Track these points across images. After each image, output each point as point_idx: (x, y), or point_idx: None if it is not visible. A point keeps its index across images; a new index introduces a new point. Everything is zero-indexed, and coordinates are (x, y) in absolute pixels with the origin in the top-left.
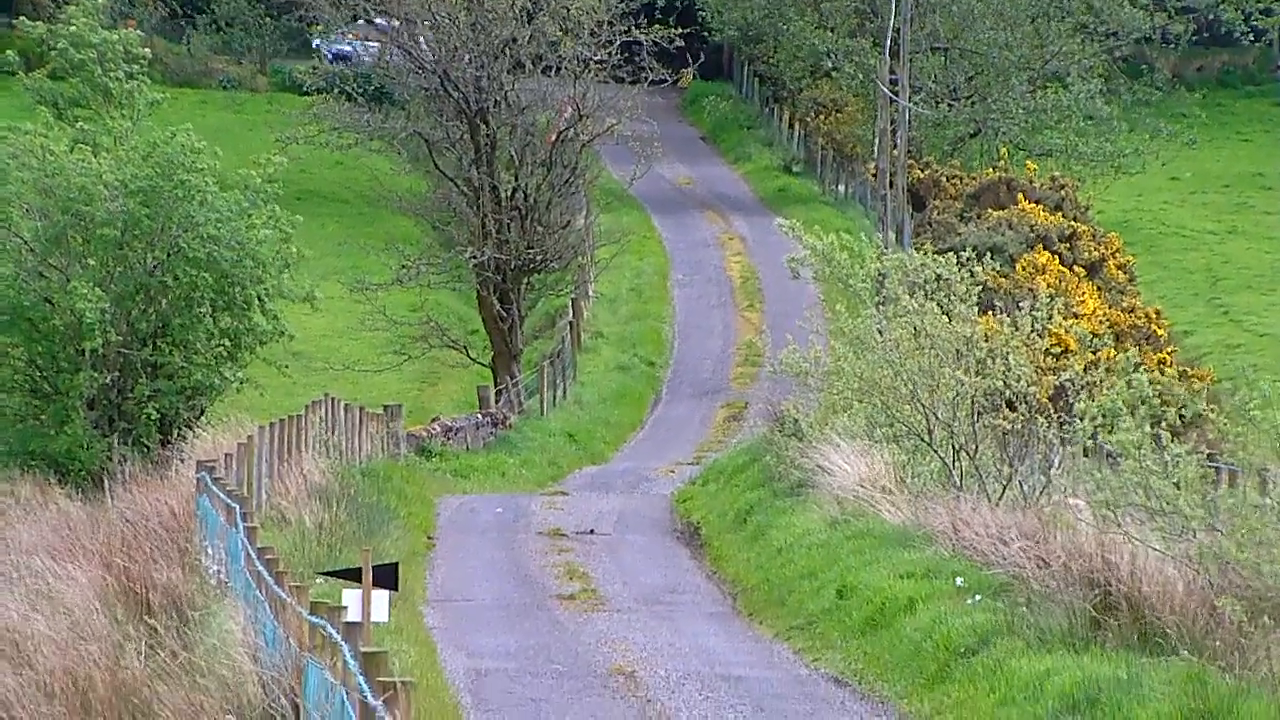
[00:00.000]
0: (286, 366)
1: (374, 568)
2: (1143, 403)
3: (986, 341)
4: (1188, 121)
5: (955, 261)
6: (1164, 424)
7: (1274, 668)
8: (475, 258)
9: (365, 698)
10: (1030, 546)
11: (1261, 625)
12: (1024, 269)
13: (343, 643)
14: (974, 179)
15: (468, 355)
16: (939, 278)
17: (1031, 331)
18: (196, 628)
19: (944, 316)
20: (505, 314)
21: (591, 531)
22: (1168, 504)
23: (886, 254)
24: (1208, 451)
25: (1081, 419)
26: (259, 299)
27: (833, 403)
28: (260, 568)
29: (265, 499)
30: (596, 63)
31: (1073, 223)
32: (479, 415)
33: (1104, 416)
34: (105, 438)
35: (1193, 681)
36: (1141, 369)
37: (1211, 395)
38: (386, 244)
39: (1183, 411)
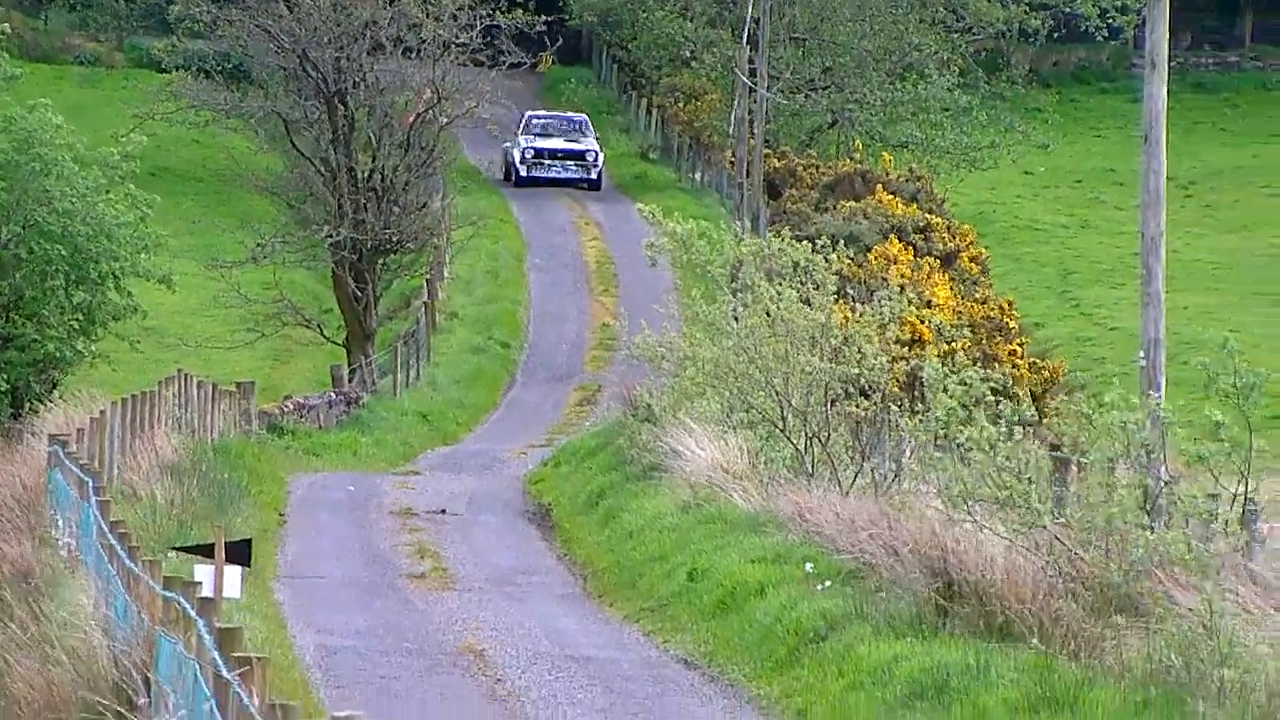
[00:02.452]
0: (139, 342)
1: (227, 544)
2: (978, 403)
3: (841, 329)
4: (1041, 117)
5: (811, 248)
6: (1005, 419)
7: (1120, 656)
8: (331, 237)
9: (220, 673)
10: (879, 534)
11: (1108, 615)
12: (877, 259)
13: (197, 618)
14: (830, 169)
15: (321, 334)
16: (796, 265)
17: (889, 320)
18: (48, 601)
19: (800, 304)
20: (360, 294)
21: (443, 511)
22: (1017, 496)
23: (744, 241)
24: (1052, 443)
25: (928, 415)
26: (114, 276)
27: (686, 388)
28: (113, 541)
29: (117, 474)
30: (456, 45)
31: (928, 215)
32: (332, 394)
33: (949, 416)
34: None
35: (1040, 669)
36: (978, 366)
37: (1062, 387)
38: (242, 222)
39: (1018, 418)
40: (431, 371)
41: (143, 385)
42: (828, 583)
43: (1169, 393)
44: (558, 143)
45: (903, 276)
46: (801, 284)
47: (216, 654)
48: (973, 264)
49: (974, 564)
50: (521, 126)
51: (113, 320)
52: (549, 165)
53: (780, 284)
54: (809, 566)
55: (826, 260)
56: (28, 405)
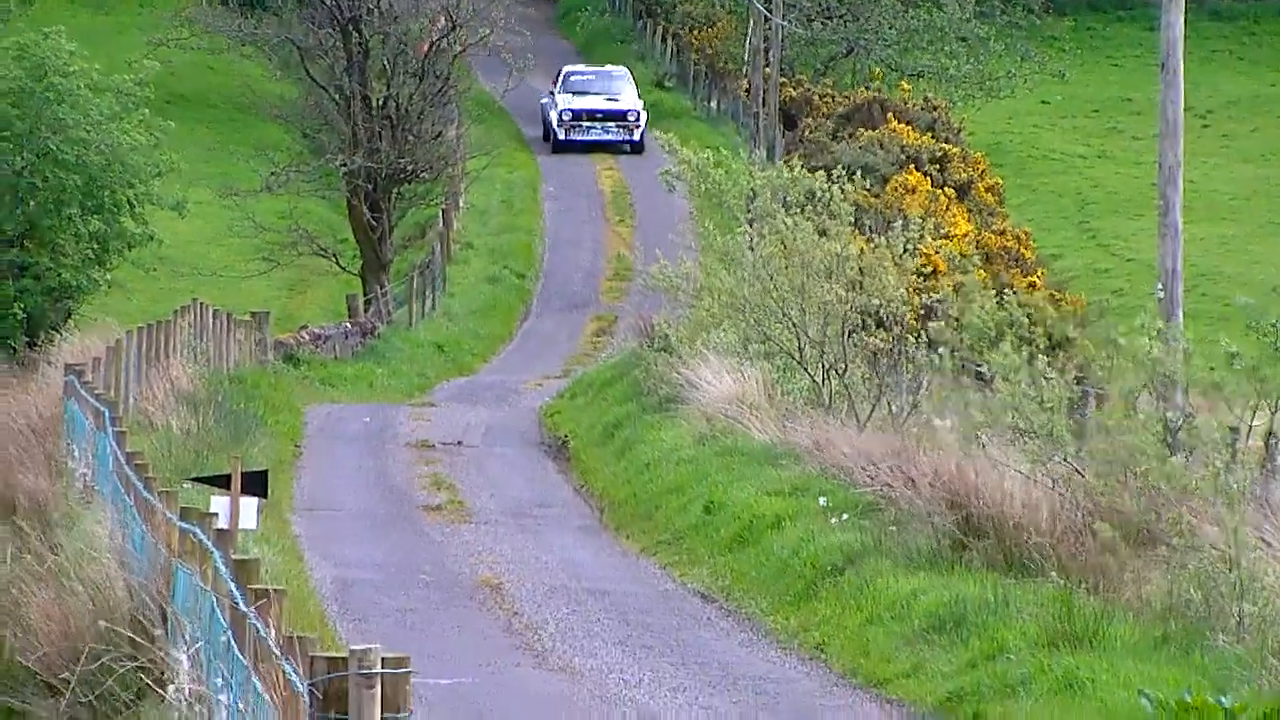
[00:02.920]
0: (154, 270)
1: (243, 474)
2: (1010, 326)
3: (859, 259)
4: (1058, 45)
5: (826, 178)
6: (1034, 346)
7: (1139, 590)
8: (346, 166)
9: (237, 605)
10: (897, 467)
11: (1127, 549)
12: (894, 189)
13: (214, 550)
14: (846, 98)
15: (337, 263)
16: (811, 195)
17: (904, 252)
18: (64, 532)
19: (816, 234)
20: (375, 223)
21: (459, 443)
22: (1039, 427)
23: (759, 171)
24: (1076, 375)
25: (948, 344)
26: (129, 203)
27: (703, 319)
28: (129, 473)
29: (132, 404)
30: None
31: (944, 144)
32: (347, 324)
33: (973, 338)
34: None
35: (1059, 603)
36: (1009, 291)
37: (1080, 319)
38: (256, 150)
39: (1051, 333)
40: (447, 302)
41: (158, 314)
42: (845, 515)
43: (1186, 324)
44: (597, 102)
45: (920, 207)
46: (817, 214)
47: (233, 586)
48: (988, 194)
49: (992, 497)
50: (559, 83)
51: (128, 249)
52: (588, 127)
53: (796, 214)
54: (822, 500)
55: (842, 191)
56: (43, 334)
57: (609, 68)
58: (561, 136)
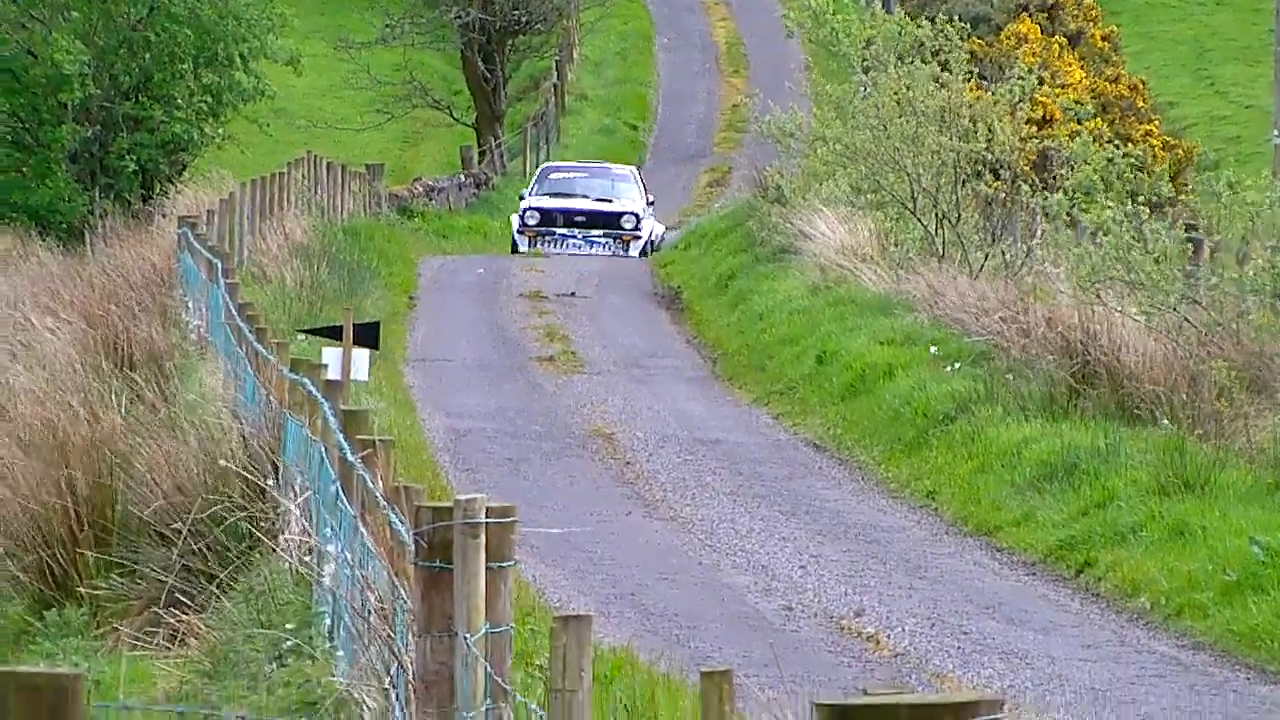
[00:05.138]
0: (267, 125)
1: (355, 326)
2: (1119, 178)
3: (971, 108)
4: None
5: (936, 28)
6: (1140, 199)
7: (1251, 438)
8: (460, 18)
9: (344, 455)
10: (1010, 315)
11: (1241, 395)
12: (1007, 38)
13: (323, 400)
14: None
15: (451, 116)
16: (921, 44)
17: (1019, 100)
18: (177, 382)
19: (931, 83)
20: (489, 75)
21: (572, 294)
22: (1147, 277)
23: (875, 19)
24: (1186, 224)
25: (1060, 192)
26: (241, 57)
27: (816, 169)
28: (241, 324)
29: (246, 256)
30: None
31: None
32: (461, 176)
33: (1082, 193)
34: (87, 191)
35: (1171, 451)
36: (1114, 144)
37: (1197, 167)
38: (371, 3)
39: (1155, 191)
40: (560, 153)
41: (272, 167)
42: (957, 365)
43: None
44: (581, 202)
45: (1034, 57)
46: (925, 63)
47: (341, 436)
48: (1103, 41)
49: (1107, 345)
50: (532, 182)
51: (241, 103)
52: (562, 237)
53: (911, 64)
54: (933, 349)
55: (962, 39)
56: (158, 187)
57: (608, 165)
58: (524, 248)
